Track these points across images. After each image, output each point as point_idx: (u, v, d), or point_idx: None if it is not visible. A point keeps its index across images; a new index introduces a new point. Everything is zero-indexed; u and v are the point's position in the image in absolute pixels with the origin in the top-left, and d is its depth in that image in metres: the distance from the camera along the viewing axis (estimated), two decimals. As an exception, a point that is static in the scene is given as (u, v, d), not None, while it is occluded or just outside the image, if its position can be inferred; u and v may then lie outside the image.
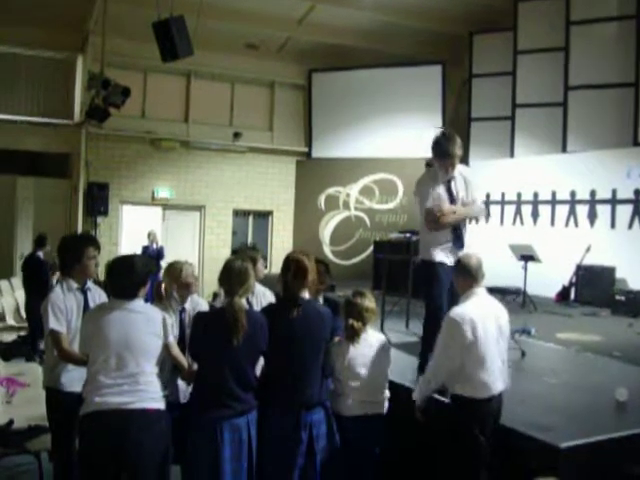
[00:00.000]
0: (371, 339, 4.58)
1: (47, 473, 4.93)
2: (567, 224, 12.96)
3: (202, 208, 16.29)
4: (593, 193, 12.46)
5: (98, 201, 14.62)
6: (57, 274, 8.64)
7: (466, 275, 4.41)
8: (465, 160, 15.10)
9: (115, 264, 4.09)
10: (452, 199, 5.80)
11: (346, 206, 16.51)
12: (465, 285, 4.42)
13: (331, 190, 16.57)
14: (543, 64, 13.81)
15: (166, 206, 15.95)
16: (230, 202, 16.48)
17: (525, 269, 11.11)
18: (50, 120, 14.24)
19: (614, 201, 12.10)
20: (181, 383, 4.54)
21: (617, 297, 10.90)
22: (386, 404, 4.59)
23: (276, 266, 12.62)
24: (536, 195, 13.62)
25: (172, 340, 4.44)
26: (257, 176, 16.72)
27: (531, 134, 14.10)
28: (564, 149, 13.31)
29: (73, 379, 4.37)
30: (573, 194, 12.83)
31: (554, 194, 13.24)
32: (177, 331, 4.59)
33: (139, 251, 13.85)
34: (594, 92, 12.86)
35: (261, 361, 4.25)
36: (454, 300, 4.70)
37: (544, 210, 13.47)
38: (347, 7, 14.14)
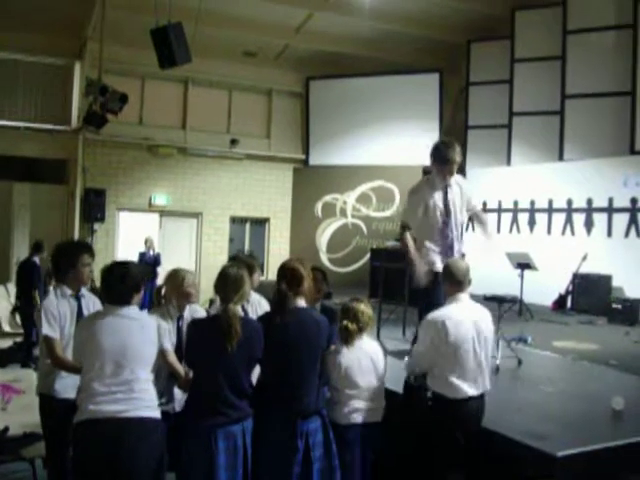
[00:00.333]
0: (367, 347, 4.58)
1: (41, 480, 4.91)
2: (564, 232, 12.98)
3: (199, 215, 16.28)
4: (590, 201, 12.48)
5: (95, 207, 14.62)
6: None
7: (452, 280, 4.48)
8: (462, 168, 15.10)
9: (109, 270, 4.06)
10: (447, 207, 5.82)
11: (343, 213, 16.52)
12: (450, 290, 4.50)
13: (328, 197, 16.58)
14: (540, 72, 13.85)
15: (163, 213, 15.95)
16: (227, 209, 16.48)
17: (522, 277, 11.12)
18: (47, 126, 14.25)
19: (611, 209, 12.12)
20: (177, 391, 4.52)
21: (614, 305, 10.91)
22: (382, 412, 4.58)
23: (273, 273, 12.63)
24: (533, 203, 13.64)
25: (169, 347, 4.43)
26: (254, 183, 16.73)
27: (528, 142, 14.13)
28: (561, 157, 13.33)
29: (67, 386, 4.36)
30: (570, 202, 12.85)
31: (551, 202, 13.25)
32: (174, 339, 4.58)
33: (136, 258, 13.84)
34: (591, 101, 12.89)
35: (257, 369, 4.24)
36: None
37: (541, 218, 13.48)
38: (345, 15, 14.16)
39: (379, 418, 4.54)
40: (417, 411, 4.54)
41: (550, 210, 13.28)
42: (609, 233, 12.16)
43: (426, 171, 6.44)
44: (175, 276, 4.74)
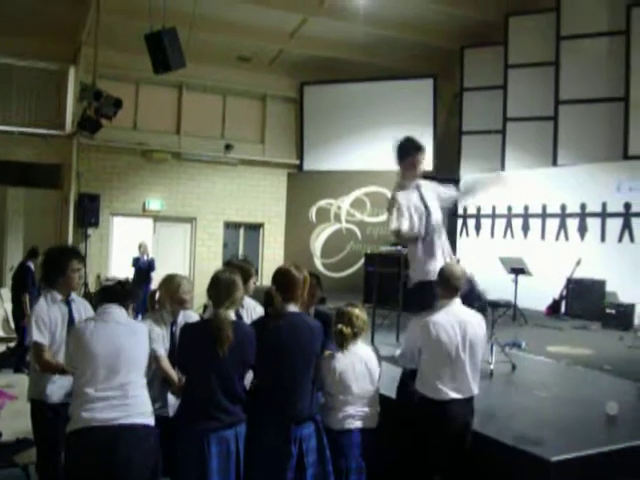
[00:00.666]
0: (362, 353, 4.58)
1: (35, 486, 4.89)
2: (557, 237, 13.01)
3: (193, 220, 16.28)
4: (583, 207, 12.51)
5: (89, 212, 14.59)
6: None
7: (445, 285, 4.50)
8: (456, 173, 15.16)
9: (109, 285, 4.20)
10: (426, 206, 5.68)
11: (337, 219, 16.51)
12: (443, 294, 4.52)
13: (322, 203, 16.58)
14: (534, 78, 13.89)
15: (157, 218, 15.93)
16: (221, 214, 16.48)
17: (516, 282, 11.15)
18: (41, 131, 14.22)
19: (604, 214, 12.16)
20: (171, 397, 4.51)
21: (607, 310, 10.93)
22: (377, 418, 4.58)
23: (267, 279, 12.61)
24: (527, 208, 13.67)
25: (162, 353, 4.43)
26: (248, 188, 16.73)
27: (522, 148, 14.16)
28: (554, 163, 13.36)
29: (58, 391, 4.37)
30: (563, 207, 12.89)
31: (544, 207, 13.29)
32: (168, 344, 4.57)
33: (130, 263, 13.83)
34: (584, 106, 12.93)
35: (250, 374, 4.24)
36: None
37: (535, 223, 13.51)
38: (339, 20, 14.18)
39: (374, 424, 4.54)
40: (406, 412, 4.57)
41: (544, 215, 13.31)
42: (603, 238, 12.20)
43: (426, 176, 6.30)
44: (170, 281, 4.73)
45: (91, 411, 3.61)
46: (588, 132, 12.88)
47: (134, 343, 3.87)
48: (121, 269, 14.60)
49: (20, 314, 10.38)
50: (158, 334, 4.51)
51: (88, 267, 14.02)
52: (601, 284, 11.70)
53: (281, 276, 4.29)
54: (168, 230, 16.07)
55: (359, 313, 4.59)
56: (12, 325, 11.48)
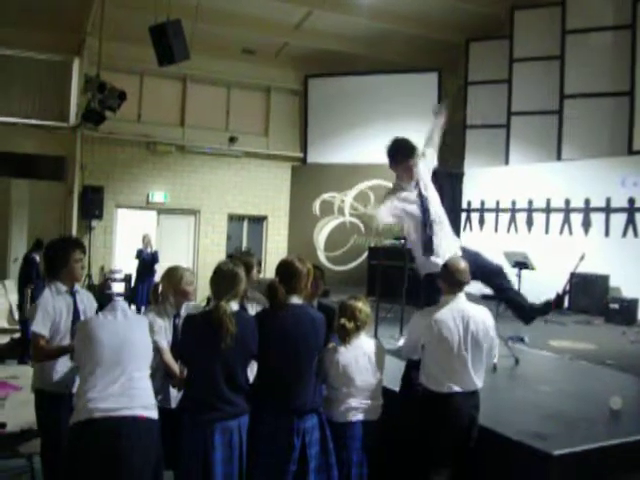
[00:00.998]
0: (365, 345, 4.58)
1: (39, 476, 4.90)
2: (561, 232, 12.99)
3: (197, 212, 16.28)
4: (587, 201, 12.49)
5: (93, 205, 14.60)
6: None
7: (450, 280, 4.50)
8: (460, 167, 15.14)
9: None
10: (425, 207, 5.59)
11: (341, 212, 16.49)
12: (447, 289, 4.52)
13: (326, 196, 16.56)
14: (539, 72, 13.86)
15: (161, 210, 15.94)
16: (225, 207, 16.48)
17: (519, 276, 11.12)
18: (45, 122, 14.22)
19: (608, 209, 12.14)
20: (173, 389, 4.52)
21: (611, 305, 10.93)
22: (380, 410, 4.58)
23: (270, 271, 12.61)
24: (531, 203, 13.65)
25: (165, 345, 4.45)
26: (252, 181, 16.72)
27: (526, 142, 14.14)
28: (559, 157, 13.34)
29: (62, 381, 4.39)
30: (568, 202, 12.86)
31: (549, 202, 13.27)
32: (170, 337, 4.57)
33: (133, 255, 13.84)
34: (589, 101, 12.90)
35: (254, 366, 4.25)
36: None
37: (538, 218, 13.50)
38: (344, 13, 14.16)
39: (376, 416, 4.54)
40: (409, 405, 4.58)
41: (548, 210, 13.29)
42: (607, 233, 12.18)
43: (435, 172, 6.23)
44: (173, 274, 4.73)
45: (94, 402, 3.62)
46: (593, 127, 12.86)
47: (139, 336, 3.89)
48: (125, 261, 14.63)
49: (25, 305, 10.43)
50: (161, 326, 4.52)
51: (92, 259, 14.06)
52: (605, 279, 11.69)
53: (285, 268, 4.30)
54: (172, 222, 16.08)
55: (362, 306, 4.59)
56: (16, 317, 11.50)
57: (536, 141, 13.93)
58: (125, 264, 14.61)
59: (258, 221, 17.14)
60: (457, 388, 4.31)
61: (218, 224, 16.45)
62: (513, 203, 14.06)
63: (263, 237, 17.14)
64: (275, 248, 16.76)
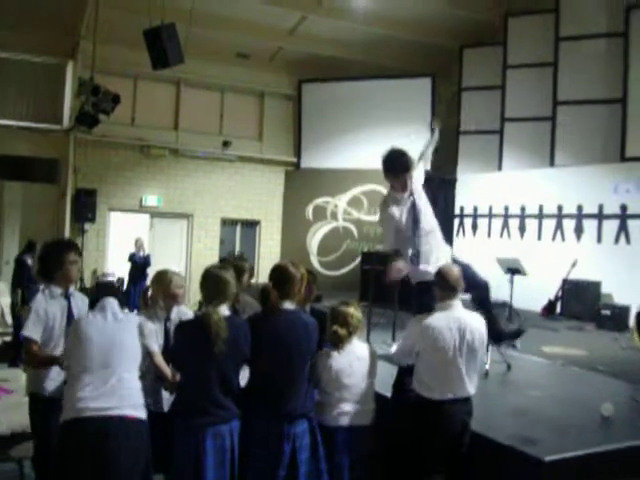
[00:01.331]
0: (358, 350, 4.58)
1: (29, 480, 4.90)
2: (554, 238, 13.02)
3: (190, 216, 16.26)
4: (580, 208, 12.53)
5: (86, 207, 14.57)
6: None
7: (444, 285, 4.49)
8: (453, 173, 15.18)
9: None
10: (415, 219, 5.57)
11: (334, 217, 16.52)
12: (442, 296, 4.51)
13: (319, 200, 16.58)
14: (532, 79, 13.90)
15: (154, 214, 15.91)
16: (218, 211, 16.46)
17: (511, 282, 11.15)
18: (39, 125, 14.19)
19: (601, 216, 12.17)
20: (165, 393, 4.52)
21: (602, 312, 10.95)
22: (372, 415, 4.58)
23: (263, 276, 12.64)
24: (523, 209, 13.68)
25: (156, 349, 4.44)
26: (246, 185, 16.72)
27: (519, 148, 14.18)
28: (552, 163, 13.38)
29: (57, 385, 4.37)
30: (560, 208, 12.90)
31: (541, 208, 13.30)
32: (162, 340, 4.57)
33: (126, 258, 13.81)
34: (582, 107, 12.94)
35: (247, 372, 4.25)
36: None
37: (531, 224, 13.53)
38: (338, 19, 14.20)
39: (369, 421, 4.54)
40: (403, 410, 4.57)
41: (540, 216, 13.32)
42: (599, 239, 12.21)
43: (428, 178, 6.26)
44: (162, 277, 4.73)
45: (83, 401, 3.62)
46: (586, 133, 12.90)
47: (129, 336, 3.89)
48: (117, 265, 14.59)
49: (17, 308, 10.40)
50: (151, 330, 4.51)
51: (84, 263, 14.02)
52: (597, 285, 11.72)
53: (278, 273, 4.31)
54: (165, 226, 16.05)
55: (353, 312, 4.59)
56: (8, 320, 11.46)
57: (529, 147, 13.97)
58: (118, 267, 14.57)
59: (251, 226, 17.13)
60: (450, 395, 4.31)
61: (211, 228, 16.44)
62: (506, 209, 14.09)
63: (256, 242, 17.13)
64: (268, 253, 16.75)
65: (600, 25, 12.77)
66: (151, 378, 4.45)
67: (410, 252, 5.61)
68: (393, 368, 5.23)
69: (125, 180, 15.45)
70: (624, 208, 11.78)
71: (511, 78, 14.29)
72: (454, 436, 4.34)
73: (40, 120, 14.31)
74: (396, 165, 5.67)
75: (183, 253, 16.24)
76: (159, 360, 4.42)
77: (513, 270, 11.24)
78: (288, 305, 4.22)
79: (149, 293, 4.76)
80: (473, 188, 14.81)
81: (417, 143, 6.01)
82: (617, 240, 11.88)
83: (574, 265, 11.90)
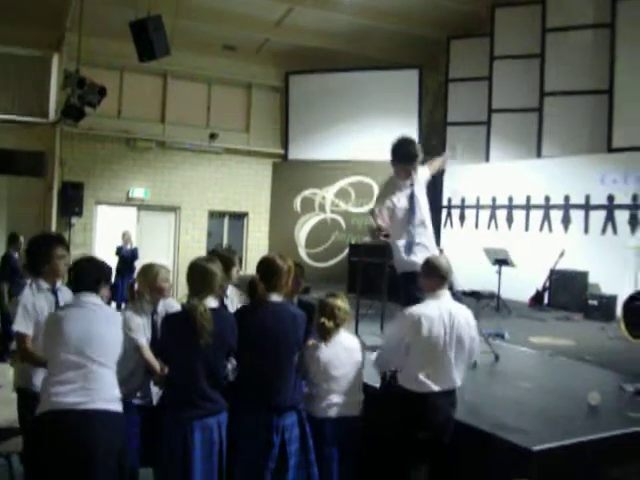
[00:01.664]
0: (345, 341, 4.58)
1: (18, 475, 4.87)
2: (541, 229, 13.07)
3: (177, 209, 16.21)
4: (567, 198, 12.57)
5: (73, 201, 14.49)
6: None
7: (433, 276, 4.44)
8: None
9: (77, 260, 4.12)
10: (412, 207, 5.86)
11: (322, 208, 16.51)
12: (431, 286, 4.45)
13: (307, 192, 16.57)
14: (519, 70, 13.93)
15: (141, 207, 15.85)
16: (205, 203, 16.43)
17: (499, 273, 11.20)
18: (24, 118, 14.10)
19: (588, 207, 12.21)
20: (154, 387, 4.51)
21: (590, 302, 11.00)
22: (360, 406, 4.59)
23: (251, 268, 12.59)
24: (511, 200, 13.72)
25: (144, 343, 4.42)
26: (233, 177, 16.68)
27: (506, 139, 14.20)
28: (539, 154, 13.42)
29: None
30: (547, 199, 12.93)
31: (529, 199, 13.33)
32: (149, 334, 4.56)
33: (113, 252, 13.75)
34: (569, 98, 12.98)
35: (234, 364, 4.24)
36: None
37: (519, 215, 13.56)
38: (325, 10, 14.15)
39: (357, 412, 4.55)
40: (390, 401, 4.55)
41: (528, 207, 13.36)
42: (586, 230, 12.26)
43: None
44: (148, 271, 4.72)
45: (57, 395, 3.61)
46: (573, 124, 12.94)
47: (107, 330, 3.83)
48: (105, 258, 14.46)
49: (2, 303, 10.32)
50: (139, 324, 4.49)
51: (71, 256, 13.94)
52: (584, 275, 11.77)
53: (265, 265, 4.30)
54: (152, 219, 16.00)
55: (340, 304, 4.58)
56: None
57: (516, 138, 14.00)
58: (105, 261, 14.49)
59: (239, 218, 17.10)
60: (437, 387, 4.30)
61: (199, 221, 16.40)
62: (493, 200, 14.12)
63: (244, 234, 17.10)
64: (256, 245, 16.73)
65: (587, 16, 12.79)
66: (141, 372, 4.44)
67: (402, 242, 5.72)
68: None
69: (112, 173, 15.39)
70: (611, 198, 11.82)
71: (498, 69, 14.31)
72: (439, 427, 4.33)
73: (26, 113, 14.22)
74: (403, 154, 5.96)
75: (171, 246, 16.19)
76: (147, 354, 4.41)
77: (501, 261, 11.29)
78: (275, 297, 4.22)
79: (135, 287, 4.74)
80: (461, 179, 14.84)
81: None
82: (604, 230, 11.93)
83: (562, 255, 11.95)
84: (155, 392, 4.49)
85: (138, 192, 15.60)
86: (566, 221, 12.60)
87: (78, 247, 14.62)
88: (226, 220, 17.03)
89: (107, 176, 15.34)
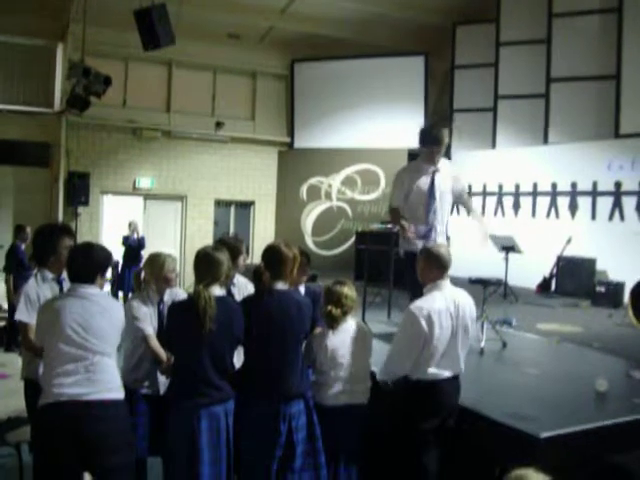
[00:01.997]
0: (353, 329, 4.58)
1: (27, 465, 4.89)
2: (548, 215, 13.02)
3: (184, 198, 16.22)
4: (574, 185, 12.51)
5: (79, 191, 14.52)
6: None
7: (433, 266, 4.41)
8: (447, 151, 15.09)
9: (75, 248, 4.14)
10: (431, 191, 5.97)
11: (328, 196, 16.49)
12: (431, 276, 4.43)
13: (313, 180, 16.55)
14: (525, 56, 13.84)
15: (147, 196, 15.87)
16: (212, 192, 16.43)
17: (506, 260, 11.17)
18: (30, 109, 14.11)
19: (595, 193, 12.16)
20: (161, 376, 4.52)
21: (597, 288, 10.97)
22: (368, 393, 4.59)
23: (257, 257, 12.64)
24: (517, 186, 13.67)
25: (151, 332, 4.44)
26: (239, 166, 16.67)
27: (513, 125, 14.14)
28: (545, 141, 13.35)
29: None
30: (554, 186, 12.88)
31: (535, 185, 13.28)
32: (156, 323, 4.56)
33: (120, 241, 13.77)
34: (576, 84, 12.90)
35: (241, 354, 4.25)
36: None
37: (525, 201, 13.51)
38: (329, -3, 14.10)
39: (365, 399, 4.56)
40: (397, 398, 4.53)
41: (535, 193, 13.31)
42: (593, 216, 12.21)
43: (412, 154, 6.61)
44: (154, 260, 4.72)
45: (60, 387, 3.62)
46: (579, 110, 12.87)
47: (104, 319, 3.81)
48: (111, 248, 14.49)
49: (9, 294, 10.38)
50: (145, 313, 4.51)
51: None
52: (591, 262, 11.73)
53: (270, 254, 4.29)
54: (158, 208, 16.02)
55: (348, 292, 4.56)
56: (3, 305, 11.43)
57: (523, 124, 13.93)
58: (112, 251, 14.51)
59: (245, 206, 17.10)
60: (447, 373, 4.30)
61: (205, 210, 16.41)
62: (500, 187, 14.08)
63: (250, 222, 17.10)
64: (262, 233, 16.73)
65: (593, 1, 12.69)
66: (148, 362, 4.45)
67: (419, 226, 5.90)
68: (388, 346, 5.22)
69: (118, 163, 15.40)
70: (618, 185, 11.77)
71: (504, 55, 14.23)
72: (448, 413, 4.35)
73: (31, 103, 14.22)
74: (428, 137, 6.07)
75: (177, 235, 16.22)
76: (154, 343, 4.42)
77: (508, 248, 11.26)
78: (281, 285, 4.21)
79: (142, 276, 4.74)
80: (467, 166, 14.77)
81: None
82: (611, 217, 11.88)
83: (569, 242, 11.91)
84: (162, 382, 4.51)
85: (144, 181, 15.61)
86: (573, 208, 12.55)
87: (85, 237, 14.63)
88: (232, 209, 17.03)
89: (113, 166, 15.34)
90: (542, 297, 11.64)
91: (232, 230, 16.66)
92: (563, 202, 12.72)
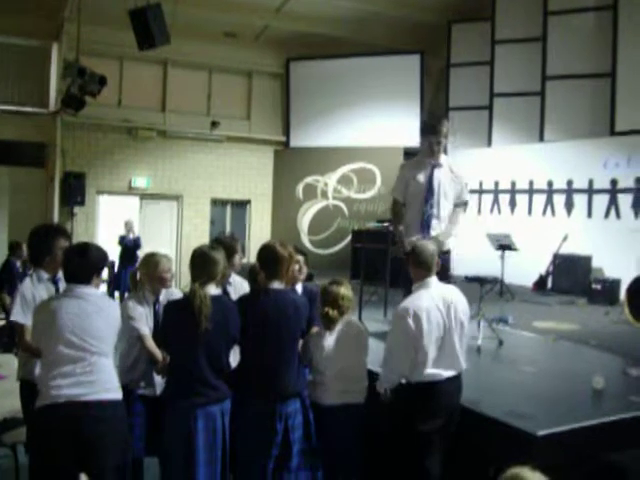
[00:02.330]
0: (349, 328, 4.56)
1: (23, 466, 4.88)
2: (544, 213, 13.04)
3: (179, 198, 16.20)
4: (570, 183, 12.54)
5: (74, 191, 14.47)
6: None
7: (420, 264, 4.39)
8: (443, 149, 15.12)
9: (70, 248, 4.11)
10: (430, 185, 5.97)
11: (324, 195, 16.47)
12: (418, 274, 4.42)
13: (309, 179, 16.53)
14: (521, 54, 13.86)
15: (143, 196, 15.84)
16: (208, 191, 16.41)
17: (502, 258, 11.18)
18: (25, 109, 14.06)
19: (591, 191, 12.18)
20: (157, 376, 4.51)
21: (593, 286, 10.99)
22: (365, 393, 4.58)
23: (254, 256, 12.63)
24: (513, 184, 13.69)
25: (146, 332, 4.43)
26: (235, 165, 16.65)
27: (509, 123, 14.15)
28: (541, 138, 13.37)
29: None
30: (550, 183, 12.90)
31: (531, 183, 13.30)
32: (152, 323, 4.56)
33: (116, 241, 13.76)
34: (571, 82, 12.92)
35: (237, 352, 4.24)
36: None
37: (521, 199, 13.54)
38: (325, -5, 14.08)
39: (362, 399, 4.55)
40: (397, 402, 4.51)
41: (531, 191, 13.33)
42: (589, 214, 12.23)
43: (408, 152, 6.66)
44: (149, 261, 4.72)
45: (58, 388, 3.60)
46: (575, 108, 12.89)
47: (101, 319, 3.80)
48: (107, 248, 14.48)
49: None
50: (141, 313, 4.50)
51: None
52: (587, 260, 11.75)
53: (266, 253, 4.29)
54: (154, 208, 15.99)
55: (344, 292, 4.53)
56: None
57: (519, 122, 13.95)
58: (108, 250, 14.49)
59: (241, 205, 17.08)
60: (447, 373, 4.29)
61: (201, 209, 16.40)
62: (496, 184, 14.09)
63: (246, 221, 17.09)
64: (259, 232, 16.72)
65: (588, -1, 12.74)
66: (144, 362, 4.45)
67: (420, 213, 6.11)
68: (384, 345, 5.22)
69: (113, 163, 15.37)
70: (614, 182, 11.79)
71: (499, 53, 14.24)
72: (450, 414, 4.33)
73: (26, 103, 14.18)
74: (424, 127, 6.47)
75: (173, 234, 16.20)
76: (150, 343, 4.42)
77: (504, 246, 11.27)
78: (277, 285, 4.20)
79: (138, 276, 4.74)
80: (463, 164, 14.72)
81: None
82: (607, 214, 11.90)
83: (565, 240, 11.93)
84: (159, 382, 4.50)
85: (140, 181, 15.59)
86: (569, 205, 12.58)
87: (81, 237, 14.60)
88: (228, 208, 17.01)
89: (109, 165, 15.32)
90: (538, 295, 11.66)
91: (228, 229, 16.65)
92: (559, 200, 12.74)
